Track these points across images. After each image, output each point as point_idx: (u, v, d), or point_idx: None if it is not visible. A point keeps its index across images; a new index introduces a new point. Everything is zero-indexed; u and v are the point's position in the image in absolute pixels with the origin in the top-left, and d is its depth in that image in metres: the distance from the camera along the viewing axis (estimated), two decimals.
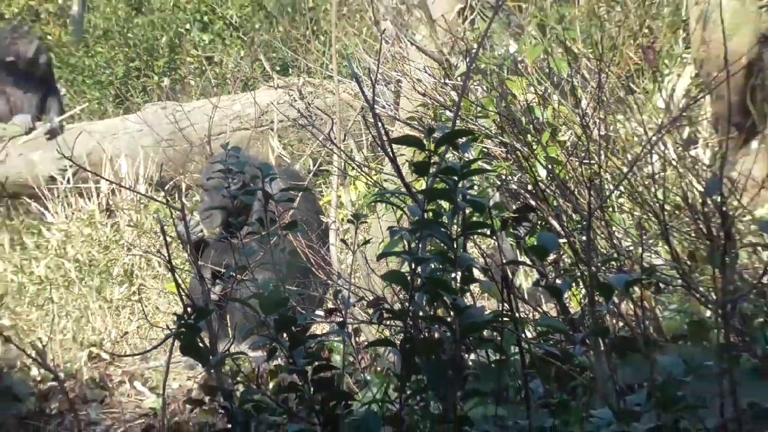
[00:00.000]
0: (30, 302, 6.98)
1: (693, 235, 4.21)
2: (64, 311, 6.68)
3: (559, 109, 5.59)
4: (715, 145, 5.87)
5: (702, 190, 4.28)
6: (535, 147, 5.03)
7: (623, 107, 5.62)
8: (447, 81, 6.20)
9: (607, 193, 4.45)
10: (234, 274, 5.81)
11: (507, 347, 2.67)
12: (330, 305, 5.11)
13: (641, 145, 4.99)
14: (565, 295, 2.99)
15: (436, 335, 2.60)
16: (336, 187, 6.70)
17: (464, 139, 2.67)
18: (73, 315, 6.64)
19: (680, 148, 5.43)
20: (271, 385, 2.94)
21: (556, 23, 7.05)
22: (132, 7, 16.38)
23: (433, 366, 2.56)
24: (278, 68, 11.35)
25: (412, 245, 2.59)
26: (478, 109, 5.59)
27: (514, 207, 4.83)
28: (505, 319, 2.69)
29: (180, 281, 4.18)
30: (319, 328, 5.69)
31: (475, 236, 2.78)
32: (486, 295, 3.19)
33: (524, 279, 5.10)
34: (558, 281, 3.28)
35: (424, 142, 2.61)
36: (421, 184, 2.64)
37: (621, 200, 4.87)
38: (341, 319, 3.37)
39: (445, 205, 2.62)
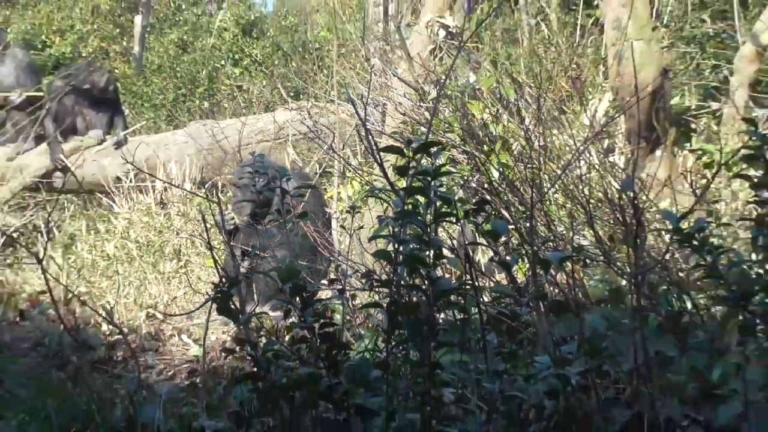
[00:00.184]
0: (101, 274, 6.95)
1: (612, 222, 4.19)
2: (127, 281, 6.66)
3: (508, 125, 5.58)
4: (628, 153, 5.86)
5: (618, 187, 4.26)
6: (489, 155, 5.02)
7: (557, 124, 5.61)
8: (422, 104, 6.19)
9: (546, 190, 4.44)
10: (258, 252, 5.82)
11: (469, 309, 2.66)
12: (332, 276, 5.08)
13: (571, 153, 4.97)
14: (513, 269, 2.96)
15: (415, 299, 2.58)
16: (337, 185, 6.69)
17: (435, 149, 2.65)
18: (134, 284, 6.61)
19: (601, 156, 5.42)
20: (287, 338, 2.91)
21: (506, 60, 7.04)
22: (179, 47, 16.37)
23: (412, 323, 2.55)
24: (292, 94, 11.31)
25: (396, 230, 2.58)
26: (446, 125, 5.58)
27: (473, 200, 4.80)
28: (467, 287, 2.68)
29: (217, 258, 4.18)
30: (323, 294, 5.67)
31: (444, 223, 2.75)
32: (452, 268, 3.17)
33: (482, 256, 5.09)
34: (508, 258, 3.26)
35: (405, 150, 2.60)
36: (403, 183, 2.62)
37: (556, 195, 4.85)
38: (341, 287, 3.35)
39: (421, 199, 2.60)
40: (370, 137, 3.11)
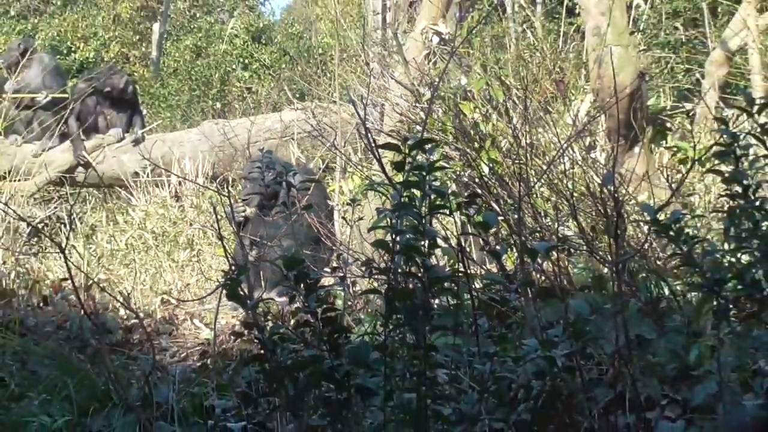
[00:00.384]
0: (119, 262, 6.92)
1: (594, 214, 4.17)
2: (143, 269, 6.62)
3: (497, 124, 5.55)
4: (608, 150, 5.84)
5: (600, 182, 4.23)
6: (480, 151, 4.99)
7: (543, 123, 5.59)
8: (417, 104, 6.16)
9: (532, 184, 4.41)
10: (265, 242, 5.79)
11: (461, 295, 2.64)
12: (334, 264, 5.05)
13: (556, 150, 4.94)
14: (503, 257, 2.94)
15: (411, 286, 2.56)
16: (338, 179, 6.65)
17: (430, 146, 2.62)
18: (150, 272, 6.58)
19: (584, 152, 5.40)
20: (292, 322, 2.88)
21: (494, 64, 7.01)
22: (194, 53, 16.37)
23: (409, 308, 2.53)
24: (297, 96, 11.27)
25: (393, 221, 2.55)
26: (440, 124, 5.56)
27: (465, 194, 4.77)
28: (460, 274, 2.65)
29: (227, 247, 4.15)
30: (326, 281, 5.63)
31: (438, 215, 2.73)
32: (446, 257, 3.14)
33: (473, 246, 5.05)
34: (498, 247, 3.23)
35: (402, 147, 2.57)
36: (400, 178, 2.59)
37: (542, 189, 4.83)
38: (342, 274, 3.32)
39: (417, 192, 2.58)
40: (369, 135, 3.09)
